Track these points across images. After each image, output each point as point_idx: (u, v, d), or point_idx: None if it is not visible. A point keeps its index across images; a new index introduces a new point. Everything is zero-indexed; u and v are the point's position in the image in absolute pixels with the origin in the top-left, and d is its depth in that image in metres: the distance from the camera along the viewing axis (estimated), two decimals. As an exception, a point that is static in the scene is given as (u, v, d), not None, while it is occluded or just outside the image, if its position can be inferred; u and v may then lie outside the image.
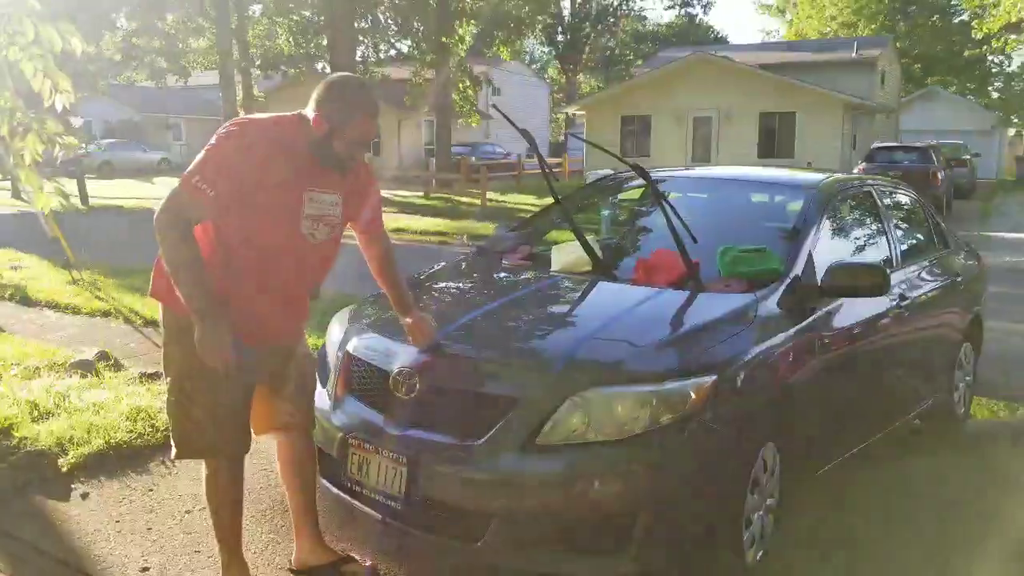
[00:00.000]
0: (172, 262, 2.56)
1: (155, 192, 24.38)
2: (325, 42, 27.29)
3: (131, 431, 4.23)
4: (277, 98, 35.67)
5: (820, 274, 3.53)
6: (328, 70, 27.50)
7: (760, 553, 3.11)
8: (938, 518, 3.80)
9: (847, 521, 3.72)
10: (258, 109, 31.09)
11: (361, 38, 27.66)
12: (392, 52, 30.36)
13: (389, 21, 28.54)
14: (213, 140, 2.62)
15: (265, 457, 3.98)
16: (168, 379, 2.77)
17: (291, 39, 29.14)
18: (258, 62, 30.53)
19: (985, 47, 36.26)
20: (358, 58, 26.78)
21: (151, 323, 6.92)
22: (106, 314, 7.31)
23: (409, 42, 28.38)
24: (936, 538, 3.60)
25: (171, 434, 2.81)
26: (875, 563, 3.35)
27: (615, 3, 61.83)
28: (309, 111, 2.71)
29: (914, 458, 4.58)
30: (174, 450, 2.81)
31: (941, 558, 3.41)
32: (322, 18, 26.67)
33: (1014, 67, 48.81)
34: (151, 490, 3.78)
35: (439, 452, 2.81)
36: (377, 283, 3.21)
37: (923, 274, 4.53)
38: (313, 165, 2.71)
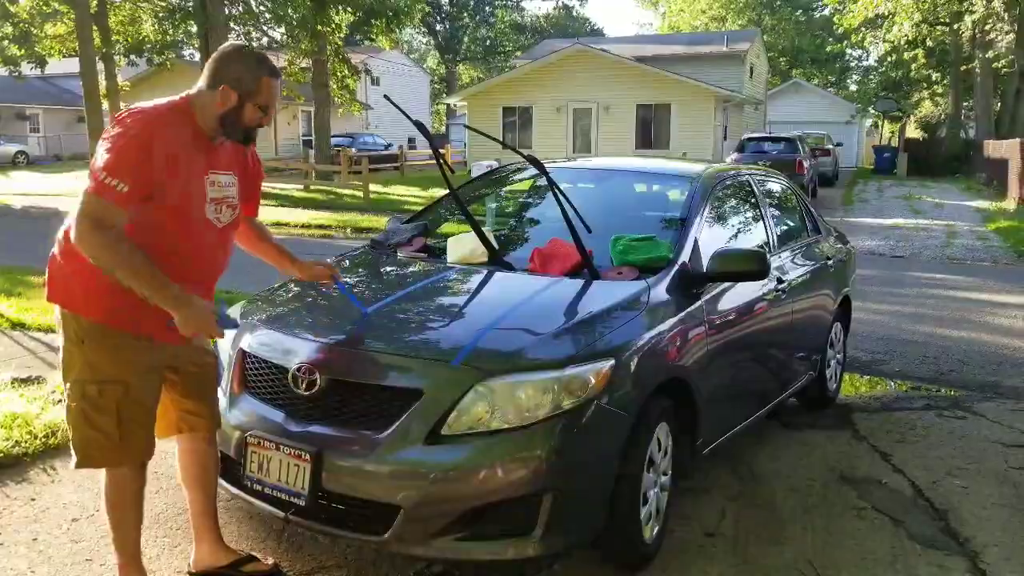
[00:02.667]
0: (121, 268, 2.45)
1: (12, 187, 22.95)
2: (194, 28, 26.26)
3: (7, 439, 4.01)
4: (143, 87, 34.14)
5: (705, 260, 3.69)
6: (197, 58, 26.48)
7: (656, 528, 3.24)
8: (820, 486, 4.05)
9: (733, 493, 3.92)
10: (123, 99, 29.66)
11: (232, 25, 26.71)
12: (265, 40, 29.47)
13: (262, 7, 27.68)
14: (111, 134, 2.50)
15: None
16: (68, 385, 2.63)
17: (157, 25, 27.88)
18: (121, 48, 29.07)
19: (845, 42, 38.38)
20: (230, 46, 25.78)
21: (18, 325, 6.56)
22: (-34, 317, 6.86)
23: (283, 30, 27.61)
24: (820, 505, 3.83)
25: (72, 443, 2.66)
26: (765, 533, 3.54)
27: (493, -7, 62.09)
28: (204, 86, 2.64)
29: (791, 432, 4.85)
30: (75, 459, 2.66)
31: (823, 522, 3.64)
32: (190, 3, 25.64)
33: (871, 61, 51.83)
34: (33, 499, 3.60)
35: (343, 446, 2.80)
36: (253, 253, 3.18)
37: (797, 258, 4.78)
38: (209, 147, 2.67)
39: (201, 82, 2.67)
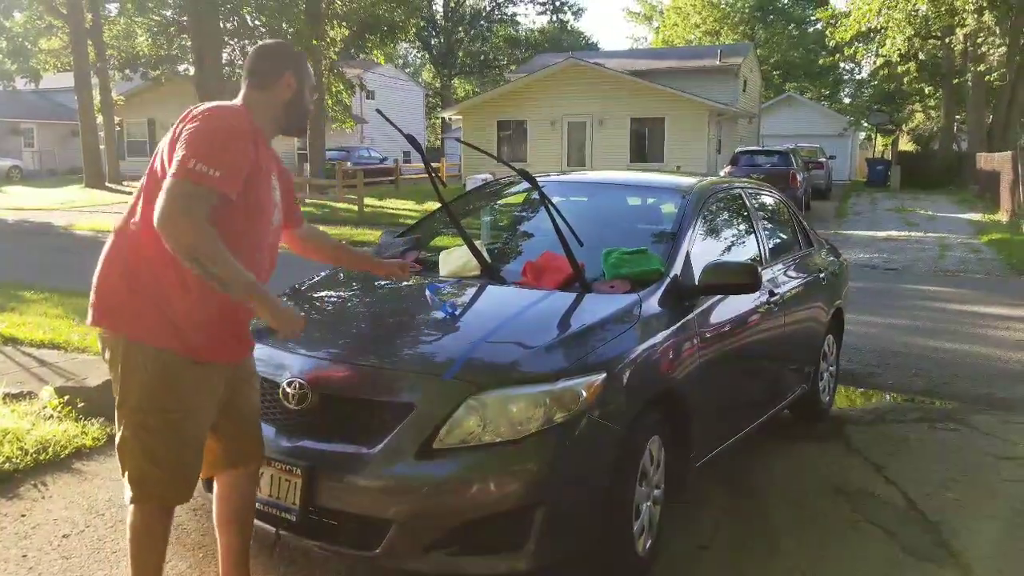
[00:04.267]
0: (210, 256, 2.28)
1: (6, 202, 22.92)
2: (188, 43, 26.32)
3: (-3, 455, 3.99)
4: (137, 101, 34.24)
5: (697, 273, 3.70)
6: (192, 72, 26.51)
7: (649, 542, 3.22)
8: (814, 498, 4.05)
9: (727, 506, 3.91)
10: (117, 113, 29.71)
11: (227, 39, 26.78)
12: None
13: (256, 22, 27.76)
14: (196, 124, 2.40)
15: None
16: (124, 415, 2.48)
17: (151, 39, 27.95)
18: (116, 63, 29.14)
19: (838, 55, 38.62)
20: (224, 60, 25.90)
21: (10, 341, 6.53)
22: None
23: (278, 44, 27.67)
24: (813, 517, 3.83)
25: (127, 477, 2.51)
26: (758, 546, 3.54)
27: (488, 7, 62.35)
28: (254, 88, 2.61)
29: (784, 445, 4.85)
30: (130, 494, 2.51)
31: (816, 535, 3.63)
32: (185, 18, 25.71)
33: (864, 74, 52.14)
34: (24, 515, 3.57)
35: (334, 462, 2.79)
36: (321, 260, 3.25)
37: (789, 271, 4.80)
38: (266, 147, 2.62)
39: (248, 87, 2.63)
